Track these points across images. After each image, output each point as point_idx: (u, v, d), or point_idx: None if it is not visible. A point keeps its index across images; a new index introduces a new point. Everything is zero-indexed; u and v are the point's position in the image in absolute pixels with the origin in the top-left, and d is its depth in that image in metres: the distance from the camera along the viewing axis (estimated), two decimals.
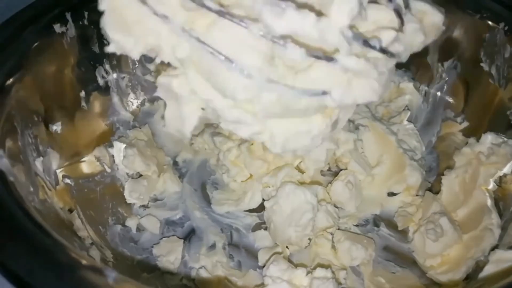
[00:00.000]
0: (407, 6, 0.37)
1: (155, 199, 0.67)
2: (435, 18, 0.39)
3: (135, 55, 0.37)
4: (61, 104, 0.61)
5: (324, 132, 0.39)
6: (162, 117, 0.74)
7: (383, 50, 0.35)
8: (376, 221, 0.65)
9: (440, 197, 0.62)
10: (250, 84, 0.34)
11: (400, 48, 0.36)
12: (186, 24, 0.35)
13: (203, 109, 0.39)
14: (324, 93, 0.35)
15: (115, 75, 0.70)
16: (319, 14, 0.33)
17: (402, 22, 0.36)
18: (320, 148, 0.63)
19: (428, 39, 0.39)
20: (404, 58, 0.38)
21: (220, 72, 0.35)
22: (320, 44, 0.34)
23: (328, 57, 0.34)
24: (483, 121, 0.67)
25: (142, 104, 0.74)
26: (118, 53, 0.38)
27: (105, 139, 0.68)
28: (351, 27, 0.34)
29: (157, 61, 0.38)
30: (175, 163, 0.72)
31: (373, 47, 0.35)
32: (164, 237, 0.63)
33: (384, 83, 0.37)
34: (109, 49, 0.38)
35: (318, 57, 0.34)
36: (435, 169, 0.70)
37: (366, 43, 0.34)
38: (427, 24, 0.39)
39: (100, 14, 0.37)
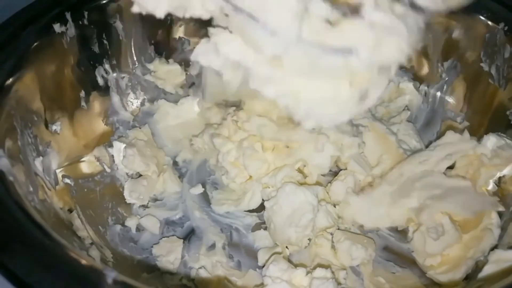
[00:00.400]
0: None
1: (155, 199, 0.67)
2: None
3: (160, 13, 0.37)
4: (61, 104, 0.61)
5: (351, 101, 0.37)
6: (162, 116, 0.74)
7: (412, 4, 0.34)
8: None
9: None
10: (279, 39, 0.34)
11: (427, 1, 0.34)
12: None
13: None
14: (350, 51, 0.34)
15: (114, 75, 0.70)
16: None
17: None
18: (324, 154, 0.63)
19: None
20: (436, 10, 0.36)
21: (248, 28, 0.34)
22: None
23: (354, 12, 0.33)
24: (483, 121, 0.67)
25: (142, 104, 0.74)
26: (144, 12, 0.37)
27: (105, 139, 0.68)
28: None
29: (187, 15, 0.38)
30: (175, 163, 0.72)
31: (401, 0, 0.33)
32: (164, 237, 0.63)
33: (413, 43, 0.35)
34: (134, 9, 0.37)
35: (344, 12, 0.33)
36: None
37: None
38: None
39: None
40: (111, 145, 0.68)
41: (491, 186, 0.59)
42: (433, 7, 0.35)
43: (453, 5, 0.37)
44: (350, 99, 0.37)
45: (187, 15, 0.38)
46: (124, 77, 0.71)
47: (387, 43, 0.34)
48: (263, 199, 0.65)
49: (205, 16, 0.38)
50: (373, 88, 0.38)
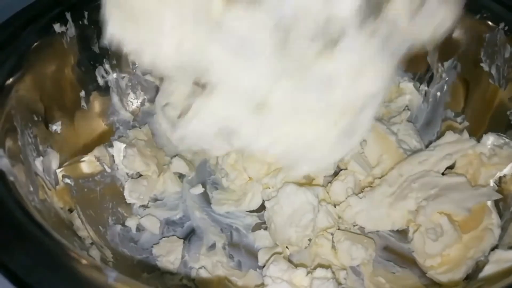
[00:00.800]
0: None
1: (155, 199, 0.67)
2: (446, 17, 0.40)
3: (130, 48, 0.38)
4: (61, 104, 0.61)
5: (339, 140, 0.38)
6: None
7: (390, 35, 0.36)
8: None
9: None
10: (261, 79, 0.34)
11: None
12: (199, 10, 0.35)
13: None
14: (330, 84, 0.35)
15: (115, 75, 0.70)
16: None
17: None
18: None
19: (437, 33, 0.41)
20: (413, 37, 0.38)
21: (233, 72, 0.35)
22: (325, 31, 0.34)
23: (335, 43, 0.34)
24: (483, 121, 0.67)
25: (142, 104, 0.74)
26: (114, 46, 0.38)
27: (105, 139, 0.68)
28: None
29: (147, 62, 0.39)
30: None
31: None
32: (164, 237, 0.63)
33: (388, 77, 0.37)
34: (106, 37, 0.38)
35: (325, 43, 0.34)
36: None
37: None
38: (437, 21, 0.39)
39: (99, 13, 0.38)
40: (111, 145, 0.68)
41: (491, 185, 0.59)
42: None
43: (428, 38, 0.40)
44: (337, 138, 0.38)
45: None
46: (124, 77, 0.71)
47: (366, 73, 0.35)
48: (263, 200, 0.65)
49: (167, 68, 0.39)
50: (358, 124, 0.39)
